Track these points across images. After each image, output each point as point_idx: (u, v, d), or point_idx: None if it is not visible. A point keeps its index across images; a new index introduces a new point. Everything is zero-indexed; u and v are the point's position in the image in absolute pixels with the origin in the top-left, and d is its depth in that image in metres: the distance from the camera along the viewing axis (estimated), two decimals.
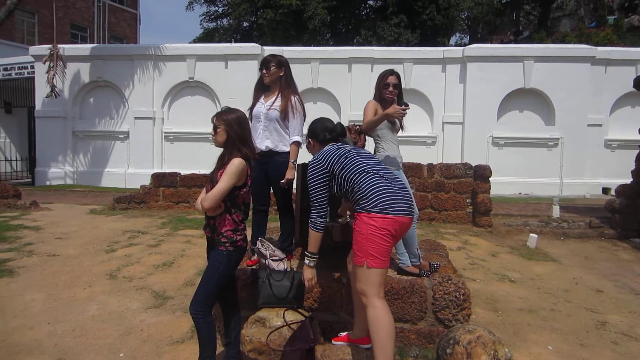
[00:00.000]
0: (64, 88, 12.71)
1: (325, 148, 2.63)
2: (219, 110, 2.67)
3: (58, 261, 4.94)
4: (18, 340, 3.15)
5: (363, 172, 2.42)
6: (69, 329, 3.34)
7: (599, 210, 7.79)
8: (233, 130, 2.53)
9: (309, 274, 2.59)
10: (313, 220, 2.52)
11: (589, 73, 11.68)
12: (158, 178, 8.51)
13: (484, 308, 3.82)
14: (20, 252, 5.22)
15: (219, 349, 2.83)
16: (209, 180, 2.55)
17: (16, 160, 15.12)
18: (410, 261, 3.19)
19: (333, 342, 2.72)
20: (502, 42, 22.79)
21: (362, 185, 2.38)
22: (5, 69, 14.27)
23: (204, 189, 2.60)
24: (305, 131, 3.45)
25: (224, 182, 2.43)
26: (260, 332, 2.70)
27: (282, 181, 3.27)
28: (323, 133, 2.71)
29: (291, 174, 3.26)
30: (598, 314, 3.78)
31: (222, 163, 2.53)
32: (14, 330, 3.30)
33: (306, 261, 2.59)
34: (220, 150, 2.62)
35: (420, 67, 12.17)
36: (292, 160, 3.28)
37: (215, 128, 2.56)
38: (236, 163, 2.46)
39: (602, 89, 11.83)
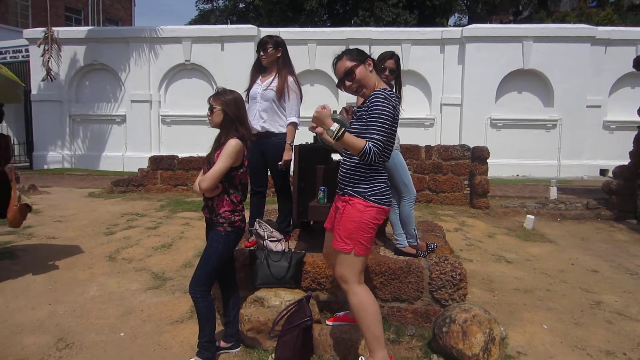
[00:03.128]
0: (59, 71, 12.57)
1: (388, 90, 2.25)
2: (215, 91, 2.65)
3: (58, 243, 4.97)
4: (20, 320, 3.18)
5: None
6: (69, 310, 3.37)
7: (597, 191, 7.82)
8: (230, 111, 2.52)
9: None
10: (379, 147, 2.12)
11: (589, 53, 11.58)
12: (156, 161, 8.49)
13: (481, 288, 3.86)
14: (20, 235, 5.23)
15: (219, 328, 2.87)
16: (206, 162, 2.55)
17: (13, 144, 15.04)
18: (408, 241, 3.21)
19: (327, 322, 2.76)
20: (501, 22, 22.45)
21: (372, 168, 2.22)
22: (0, 53, 14.08)
23: (202, 171, 2.60)
24: (301, 113, 3.44)
25: (221, 162, 2.43)
26: (258, 312, 2.73)
27: (280, 163, 3.27)
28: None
29: (288, 155, 3.26)
30: (593, 294, 3.82)
31: (218, 144, 2.52)
32: (15, 311, 3.33)
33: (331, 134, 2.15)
34: (217, 133, 2.61)
35: (419, 48, 12.04)
36: (289, 142, 3.27)
37: (211, 108, 2.54)
38: (233, 144, 2.46)
39: (602, 69, 11.74)
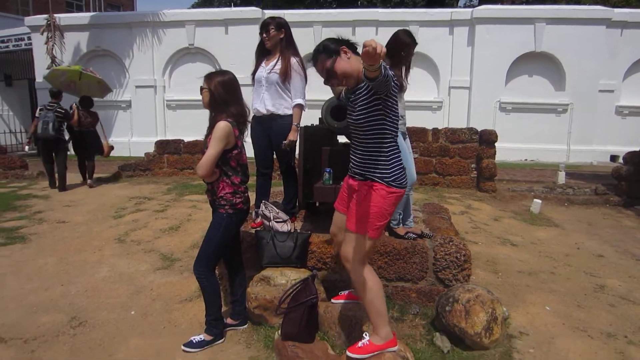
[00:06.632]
0: (63, 58, 12.55)
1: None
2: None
3: (68, 227, 5.06)
4: (34, 301, 3.27)
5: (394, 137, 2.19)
6: (81, 290, 3.46)
7: (606, 177, 7.75)
8: (216, 92, 2.49)
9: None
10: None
11: (604, 36, 11.29)
12: (162, 145, 8.55)
13: (485, 270, 3.89)
14: (31, 220, 5.33)
15: (226, 306, 2.93)
16: (205, 146, 2.55)
17: (20, 132, 15.16)
18: (405, 223, 3.23)
19: (332, 300, 2.80)
20: (513, 3, 21.99)
21: (389, 151, 2.19)
22: (2, 41, 14.03)
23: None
24: (307, 95, 3.42)
25: (212, 148, 2.43)
26: (265, 290, 2.79)
27: (284, 142, 3.23)
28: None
29: (294, 135, 3.24)
30: (597, 278, 3.82)
31: (211, 128, 2.51)
32: (29, 292, 3.42)
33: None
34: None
35: (427, 29, 11.83)
36: (295, 123, 3.27)
37: (201, 89, 2.54)
38: (221, 126, 2.44)
39: (617, 52, 11.44)
